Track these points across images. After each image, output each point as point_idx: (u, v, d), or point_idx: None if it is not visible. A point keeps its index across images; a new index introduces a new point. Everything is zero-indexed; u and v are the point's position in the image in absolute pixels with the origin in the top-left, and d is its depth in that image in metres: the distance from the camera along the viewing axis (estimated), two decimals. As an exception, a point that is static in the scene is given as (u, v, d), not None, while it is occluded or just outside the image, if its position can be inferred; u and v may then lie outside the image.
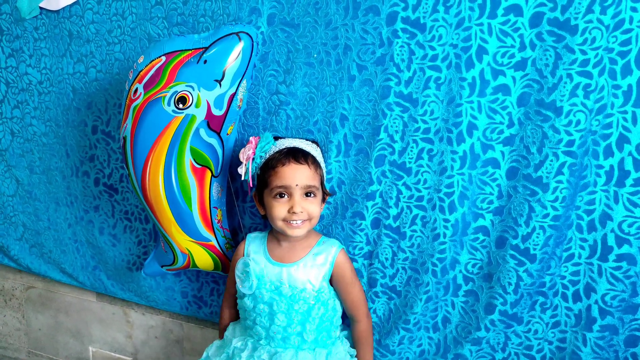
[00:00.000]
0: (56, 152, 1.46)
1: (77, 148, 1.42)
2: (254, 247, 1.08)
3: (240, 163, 1.03)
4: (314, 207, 1.00)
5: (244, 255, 1.08)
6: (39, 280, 1.69)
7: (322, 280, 1.02)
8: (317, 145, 1.08)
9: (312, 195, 1.00)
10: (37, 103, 1.45)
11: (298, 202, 0.98)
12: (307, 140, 1.06)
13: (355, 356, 1.09)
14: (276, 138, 1.05)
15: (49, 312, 1.70)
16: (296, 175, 0.98)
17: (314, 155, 1.03)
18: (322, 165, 1.06)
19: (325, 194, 1.06)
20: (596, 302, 0.97)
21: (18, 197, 1.57)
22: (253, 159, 1.02)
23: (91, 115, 1.37)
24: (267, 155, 1.02)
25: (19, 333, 1.78)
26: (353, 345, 1.11)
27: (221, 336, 1.18)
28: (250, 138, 1.04)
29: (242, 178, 1.03)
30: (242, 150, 1.04)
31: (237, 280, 1.05)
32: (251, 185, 1.04)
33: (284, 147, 1.02)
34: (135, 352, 1.57)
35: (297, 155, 1.00)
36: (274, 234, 1.08)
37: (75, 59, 1.34)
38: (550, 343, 1.03)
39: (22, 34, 1.41)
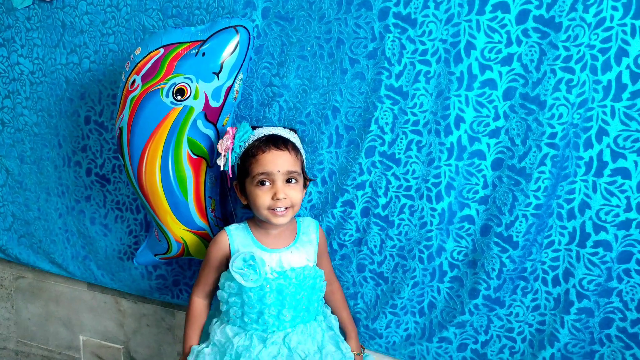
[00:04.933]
0: (48, 142, 1.47)
1: (70, 138, 1.42)
2: (240, 240, 1.06)
3: (219, 154, 1.04)
4: (295, 193, 1.01)
5: (230, 249, 1.05)
6: (28, 270, 1.69)
7: (314, 254, 1.08)
8: (295, 132, 1.10)
9: (293, 181, 1.02)
10: (29, 93, 1.45)
11: (281, 188, 1.00)
12: (284, 127, 1.08)
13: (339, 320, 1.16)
14: (253, 127, 1.06)
15: (39, 302, 1.71)
16: (277, 162, 1.00)
17: (294, 141, 1.04)
18: (302, 151, 1.07)
19: (306, 179, 1.07)
20: (574, 286, 1.03)
21: (8, 187, 1.57)
22: (232, 149, 1.02)
23: (84, 106, 1.38)
24: (247, 145, 1.03)
25: (8, 323, 1.78)
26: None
27: (195, 322, 1.13)
28: (228, 129, 1.05)
29: (221, 169, 1.04)
30: (220, 141, 1.04)
31: (238, 276, 0.99)
32: (230, 175, 1.05)
33: (262, 135, 1.03)
34: (127, 340, 1.59)
35: (277, 142, 1.01)
36: (256, 224, 1.08)
37: (69, 49, 1.35)
38: (531, 325, 1.09)
39: (13, 24, 1.41)
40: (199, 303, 1.13)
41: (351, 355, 1.06)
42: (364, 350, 1.19)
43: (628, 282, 0.99)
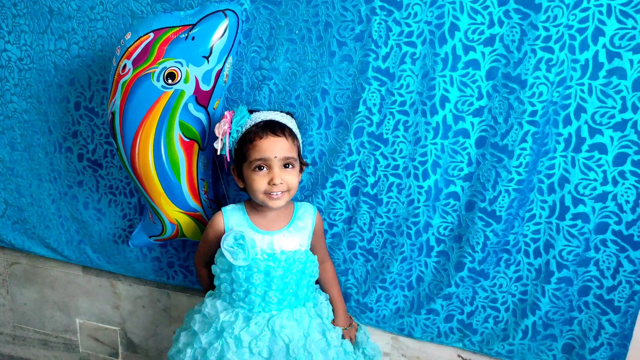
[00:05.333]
0: (38, 129, 1.47)
1: (60, 124, 1.43)
2: (235, 220, 1.10)
3: (216, 138, 1.06)
4: (292, 178, 1.04)
5: (224, 229, 1.10)
6: (23, 256, 1.71)
7: (308, 239, 1.10)
8: (292, 116, 1.12)
9: (290, 166, 1.05)
10: (18, 80, 1.45)
11: (277, 174, 1.03)
12: (281, 112, 1.10)
13: (329, 299, 1.20)
14: (251, 111, 1.08)
15: (34, 287, 1.73)
16: (275, 148, 1.02)
17: (290, 127, 1.07)
18: (299, 136, 1.10)
19: (302, 164, 1.10)
20: (554, 257, 1.08)
21: (-1, 174, 1.58)
22: (229, 133, 1.05)
23: (74, 92, 1.38)
24: (244, 129, 1.05)
25: (4, 308, 1.80)
26: (322, 289, 1.22)
27: (203, 279, 1.25)
28: (225, 112, 1.07)
29: (219, 153, 1.06)
30: (217, 125, 1.06)
31: (228, 254, 1.04)
32: (228, 159, 1.07)
33: (260, 120, 1.05)
34: (123, 322, 1.63)
35: (274, 128, 1.03)
36: (252, 206, 1.12)
37: (57, 35, 1.35)
38: (513, 295, 1.14)
39: (-1, 10, 1.40)
40: (204, 272, 1.24)
41: (337, 343, 1.09)
42: (352, 323, 1.23)
43: (604, 251, 1.05)
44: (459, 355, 1.25)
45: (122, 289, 1.59)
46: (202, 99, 1.10)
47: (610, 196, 1.02)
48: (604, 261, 1.05)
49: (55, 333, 1.74)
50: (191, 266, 1.44)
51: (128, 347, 1.64)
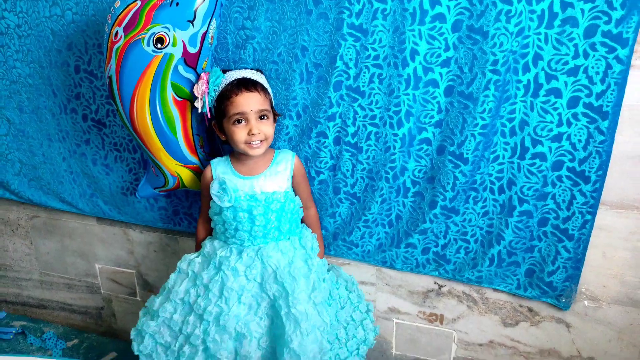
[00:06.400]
0: (43, 92, 1.57)
1: (63, 87, 1.53)
2: (220, 169, 1.25)
3: (196, 98, 1.18)
4: (267, 127, 1.18)
5: (213, 178, 1.25)
6: (41, 210, 1.86)
7: (287, 182, 1.24)
8: (262, 72, 1.23)
9: (265, 117, 1.18)
10: (19, 46, 1.53)
11: (255, 125, 1.16)
12: (252, 69, 1.21)
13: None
14: (224, 71, 1.20)
15: (55, 238, 1.89)
16: (250, 102, 1.15)
17: (262, 82, 1.19)
18: (269, 90, 1.22)
19: (275, 115, 1.23)
20: (516, 193, 1.20)
21: (11, 135, 1.70)
22: (207, 92, 1.17)
23: (72, 56, 1.47)
24: (220, 88, 1.17)
25: (30, 257, 1.98)
26: None
27: (198, 247, 1.36)
28: (202, 74, 1.18)
29: (199, 111, 1.19)
30: (195, 86, 1.18)
31: (215, 198, 1.21)
32: (209, 116, 1.20)
33: (234, 78, 1.17)
34: (138, 265, 1.80)
35: (248, 85, 1.16)
36: (235, 156, 1.26)
37: (51, 2, 1.42)
38: (481, 229, 1.27)
39: (-6, -21, 1.47)
40: (203, 230, 1.36)
41: (318, 270, 1.23)
42: (328, 264, 1.38)
43: (560, 186, 1.16)
44: (435, 282, 1.40)
45: (134, 236, 1.75)
46: (190, 60, 1.19)
47: (564, 136, 1.11)
48: (559, 195, 1.17)
49: (78, 277, 1.93)
50: (195, 213, 1.58)
51: (144, 287, 1.82)
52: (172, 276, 1.28)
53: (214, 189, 1.21)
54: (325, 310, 1.18)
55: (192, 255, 1.29)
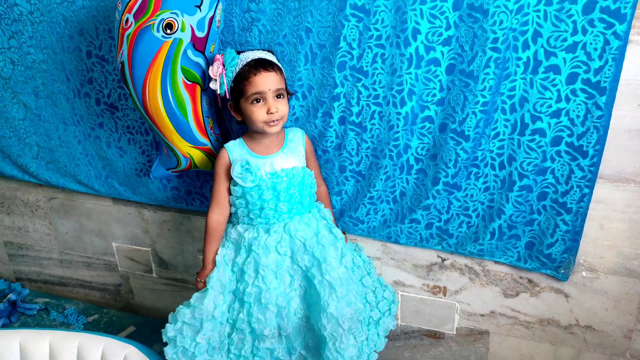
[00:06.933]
0: (57, 77, 1.62)
1: (76, 72, 1.58)
2: (238, 152, 1.27)
3: (211, 80, 1.20)
4: (283, 106, 1.21)
5: (230, 161, 1.27)
6: (59, 192, 1.93)
7: (302, 157, 1.29)
8: (272, 53, 1.26)
9: (281, 96, 1.21)
10: (32, 32, 1.58)
11: (272, 104, 1.19)
12: (264, 50, 1.24)
13: None
14: (238, 52, 1.22)
15: (73, 218, 1.97)
16: (267, 82, 1.18)
17: (276, 62, 1.22)
18: (283, 69, 1.25)
19: (289, 93, 1.26)
20: (516, 168, 1.23)
21: (28, 120, 1.76)
22: (224, 74, 1.19)
23: (84, 42, 1.51)
24: (237, 69, 1.19)
25: (49, 237, 2.07)
26: None
27: (208, 230, 1.31)
28: (217, 55, 1.20)
29: (217, 92, 1.21)
30: (211, 68, 1.20)
31: (238, 180, 1.22)
32: (228, 97, 1.23)
33: (250, 59, 1.19)
34: (153, 243, 1.87)
35: (265, 65, 1.18)
36: (250, 137, 1.28)
37: (61, -12, 1.46)
38: (482, 204, 1.31)
39: (6, -33, 1.50)
40: (214, 218, 1.31)
41: (342, 237, 1.30)
42: (345, 235, 1.44)
43: (559, 161, 1.19)
44: (438, 256, 1.45)
45: (149, 215, 1.82)
46: (198, 44, 1.23)
47: (563, 112, 1.14)
48: (558, 170, 1.20)
49: (96, 256, 2.01)
50: (206, 193, 1.63)
51: (160, 264, 1.90)
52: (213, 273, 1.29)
53: (235, 171, 1.23)
54: (354, 273, 1.26)
55: (220, 254, 1.29)
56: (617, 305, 1.30)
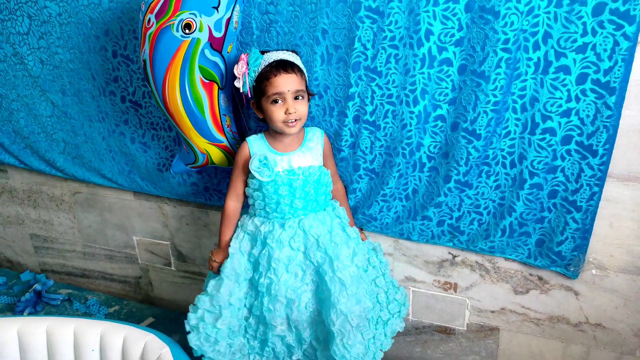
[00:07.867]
0: (83, 76, 1.69)
1: (101, 71, 1.65)
2: (257, 147, 1.32)
3: (236, 78, 1.25)
4: (302, 107, 1.25)
5: (250, 154, 1.32)
6: (83, 186, 2.01)
7: (319, 157, 1.33)
8: (297, 54, 1.30)
9: (300, 97, 1.25)
10: (60, 33, 1.65)
11: (291, 104, 1.23)
12: (287, 51, 1.28)
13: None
14: (262, 52, 1.26)
15: (96, 212, 2.04)
16: (287, 83, 1.22)
17: (298, 64, 1.26)
18: (304, 70, 1.29)
19: (309, 94, 1.30)
20: (527, 167, 1.25)
21: (55, 117, 1.83)
22: (247, 73, 1.24)
23: (110, 42, 1.58)
24: (260, 69, 1.24)
25: (73, 230, 2.14)
26: None
27: (224, 218, 1.39)
28: (241, 55, 1.25)
29: (241, 90, 1.26)
30: (236, 66, 1.25)
31: (256, 173, 1.26)
32: (250, 95, 1.27)
33: (272, 60, 1.23)
34: (172, 237, 1.93)
35: (286, 66, 1.22)
36: (270, 134, 1.33)
37: (89, -9, 1.52)
38: (493, 201, 1.33)
39: (37, -29, 1.58)
40: (231, 205, 1.39)
41: (355, 236, 1.34)
42: (362, 230, 1.47)
43: (569, 160, 1.21)
44: (449, 252, 1.47)
45: (168, 210, 1.88)
46: (216, 44, 1.28)
47: (573, 112, 1.16)
48: (568, 168, 1.21)
49: (118, 249, 2.08)
50: (223, 189, 1.68)
51: (179, 257, 1.96)
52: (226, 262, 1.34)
53: (254, 165, 1.27)
54: (365, 273, 1.29)
55: (236, 240, 1.34)
56: (627, 303, 1.31)
